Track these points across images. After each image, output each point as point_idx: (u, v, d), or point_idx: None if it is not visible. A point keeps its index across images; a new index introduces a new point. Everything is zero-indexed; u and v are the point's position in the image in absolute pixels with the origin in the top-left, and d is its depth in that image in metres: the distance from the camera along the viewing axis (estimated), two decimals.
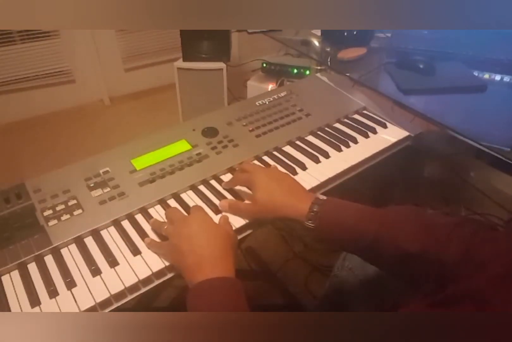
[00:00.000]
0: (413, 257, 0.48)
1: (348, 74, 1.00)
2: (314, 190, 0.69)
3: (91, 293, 0.52)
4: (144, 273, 0.55)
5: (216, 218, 0.62)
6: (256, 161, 0.74)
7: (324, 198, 0.58)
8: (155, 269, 0.55)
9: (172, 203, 0.66)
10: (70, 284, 0.53)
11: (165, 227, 0.58)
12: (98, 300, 0.52)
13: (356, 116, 0.87)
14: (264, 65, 1.87)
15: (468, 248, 0.45)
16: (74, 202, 0.64)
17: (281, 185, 0.61)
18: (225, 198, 0.66)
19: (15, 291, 0.53)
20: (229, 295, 0.48)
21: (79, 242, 0.60)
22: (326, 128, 0.83)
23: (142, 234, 0.60)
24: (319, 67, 1.39)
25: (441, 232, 0.49)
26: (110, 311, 0.53)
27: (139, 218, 0.64)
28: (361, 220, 0.54)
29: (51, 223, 0.61)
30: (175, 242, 0.55)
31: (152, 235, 0.61)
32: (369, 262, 0.57)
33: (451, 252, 0.46)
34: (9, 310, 0.51)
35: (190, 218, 0.58)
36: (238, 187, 0.68)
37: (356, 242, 0.54)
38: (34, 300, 0.52)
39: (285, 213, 0.59)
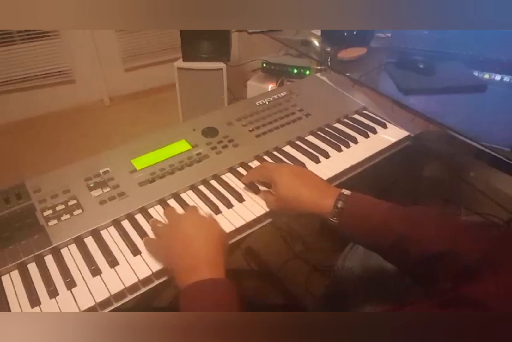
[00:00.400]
0: (438, 258, 0.48)
1: (348, 74, 1.00)
2: None
3: (91, 293, 0.52)
4: (144, 273, 0.55)
5: (216, 218, 0.62)
6: (256, 161, 0.74)
7: (349, 193, 0.57)
8: (155, 269, 0.55)
9: (172, 203, 0.66)
10: (70, 284, 0.53)
11: (159, 226, 0.58)
12: (98, 300, 0.51)
13: (356, 116, 0.87)
14: (264, 65, 1.87)
15: (491, 251, 0.45)
16: (74, 202, 0.64)
17: (304, 181, 0.60)
18: (225, 198, 0.66)
19: (15, 291, 0.53)
20: (222, 296, 0.48)
21: (79, 242, 0.60)
22: (326, 128, 0.83)
23: (142, 234, 0.60)
24: (319, 67, 1.39)
25: (467, 234, 0.48)
26: (110, 311, 0.53)
27: (139, 218, 0.64)
28: (388, 218, 0.53)
29: (51, 223, 0.61)
30: (166, 242, 0.55)
31: (152, 236, 0.60)
32: (390, 262, 0.56)
33: (475, 254, 0.46)
34: (9, 310, 0.51)
35: (182, 218, 0.58)
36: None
37: (381, 240, 0.53)
38: (34, 300, 0.52)
39: (309, 209, 0.58)
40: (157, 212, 0.64)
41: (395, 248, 0.52)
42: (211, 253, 0.53)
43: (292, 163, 0.73)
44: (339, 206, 0.55)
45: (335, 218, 0.55)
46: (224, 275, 0.51)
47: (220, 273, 0.50)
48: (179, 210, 0.64)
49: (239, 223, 0.62)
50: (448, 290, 0.45)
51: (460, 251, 0.47)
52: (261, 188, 0.67)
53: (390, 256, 0.56)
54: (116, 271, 0.55)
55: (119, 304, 0.54)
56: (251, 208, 0.64)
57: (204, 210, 0.64)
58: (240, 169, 0.72)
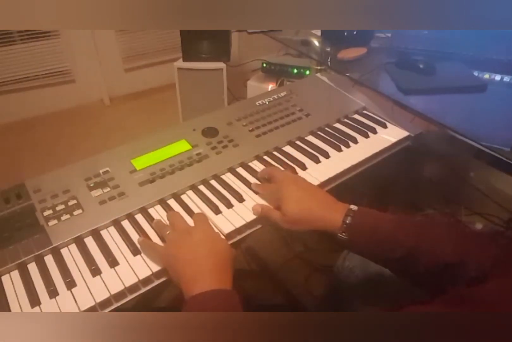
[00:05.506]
0: (446, 269, 0.49)
1: (348, 74, 1.00)
2: None
3: (91, 293, 0.52)
4: (144, 273, 0.55)
5: (216, 218, 0.62)
6: (256, 161, 0.74)
7: (356, 208, 0.57)
8: (155, 269, 0.55)
9: (172, 203, 0.66)
10: (70, 284, 0.53)
11: (167, 232, 0.57)
12: (98, 300, 0.52)
13: (356, 116, 0.87)
14: (264, 65, 1.87)
15: (500, 261, 0.46)
16: (74, 202, 0.64)
17: (312, 196, 0.60)
18: (225, 198, 0.66)
19: (15, 291, 0.53)
20: (226, 308, 0.47)
21: (79, 242, 0.60)
22: (326, 128, 0.83)
23: (142, 234, 0.60)
24: (319, 67, 1.39)
25: (477, 245, 0.50)
26: (110, 311, 0.53)
27: (139, 218, 0.64)
28: (397, 232, 0.54)
29: (51, 223, 0.61)
30: (175, 251, 0.54)
31: (153, 236, 0.60)
32: (398, 275, 0.57)
33: (483, 263, 0.47)
34: (9, 310, 0.51)
35: (194, 229, 0.57)
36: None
37: (391, 254, 0.53)
38: (34, 300, 0.52)
39: (317, 225, 0.58)
40: (157, 212, 0.64)
41: (404, 261, 0.52)
42: (220, 265, 0.52)
43: (294, 169, 0.72)
44: (347, 221, 0.55)
45: (344, 234, 0.55)
46: (230, 286, 0.51)
47: (227, 284, 0.50)
48: (181, 211, 0.64)
49: (239, 223, 0.62)
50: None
51: (468, 260, 0.48)
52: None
53: (399, 268, 0.56)
54: (116, 271, 0.55)
55: (119, 304, 0.54)
56: (251, 208, 0.64)
57: (204, 210, 0.64)
58: (240, 170, 0.72)
